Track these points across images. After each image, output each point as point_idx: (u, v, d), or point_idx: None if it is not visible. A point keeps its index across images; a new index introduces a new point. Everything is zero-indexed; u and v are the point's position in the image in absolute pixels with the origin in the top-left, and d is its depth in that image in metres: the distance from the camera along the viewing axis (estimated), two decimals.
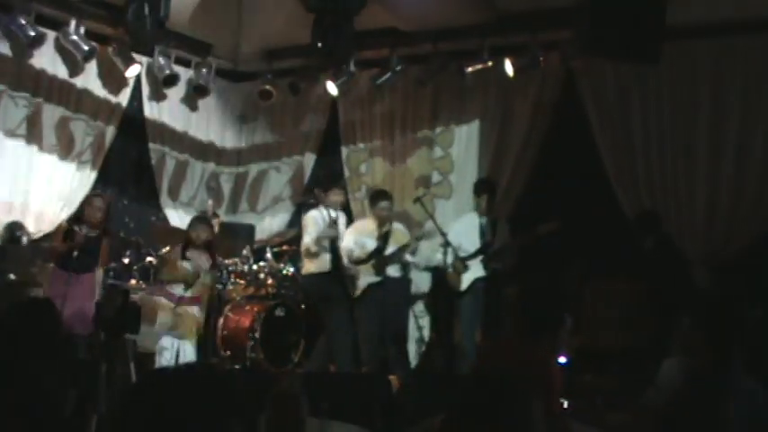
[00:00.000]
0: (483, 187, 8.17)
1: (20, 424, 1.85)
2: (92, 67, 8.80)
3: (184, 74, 9.59)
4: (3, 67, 8.24)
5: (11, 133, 8.31)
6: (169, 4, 7.20)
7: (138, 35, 7.53)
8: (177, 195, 9.83)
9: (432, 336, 8.86)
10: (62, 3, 8.29)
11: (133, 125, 9.47)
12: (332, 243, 7.91)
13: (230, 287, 8.62)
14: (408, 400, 6.15)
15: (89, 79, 8.87)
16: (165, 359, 7.34)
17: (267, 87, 9.74)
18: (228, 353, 8.30)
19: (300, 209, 9.33)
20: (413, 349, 8.79)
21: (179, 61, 9.40)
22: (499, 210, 8.50)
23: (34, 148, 8.49)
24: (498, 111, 8.93)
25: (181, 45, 9.29)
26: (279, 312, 8.46)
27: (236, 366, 8.15)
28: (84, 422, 1.96)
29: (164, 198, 9.73)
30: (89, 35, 8.44)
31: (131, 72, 8.95)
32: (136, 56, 8.88)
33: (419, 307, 8.93)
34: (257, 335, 8.19)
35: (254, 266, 8.75)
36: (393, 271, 8.17)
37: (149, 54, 9.07)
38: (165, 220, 9.66)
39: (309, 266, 8.00)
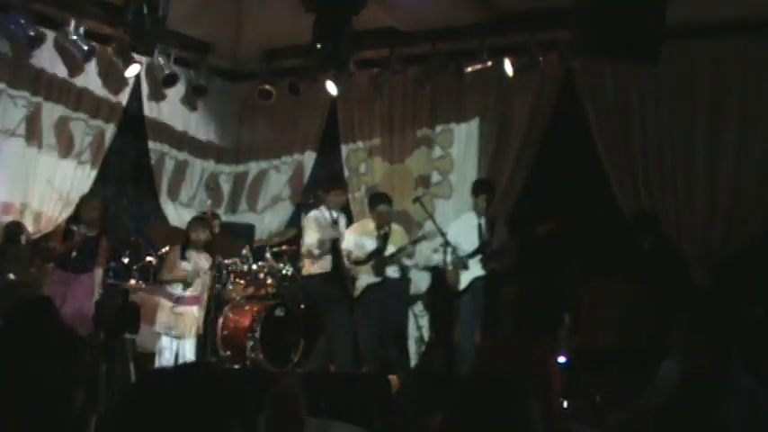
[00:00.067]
0: (481, 187, 8.17)
1: (20, 424, 1.85)
2: (91, 67, 8.80)
3: (184, 74, 9.59)
4: (2, 67, 8.24)
5: (10, 133, 8.31)
6: (169, 3, 7.19)
7: (137, 35, 7.53)
8: (177, 195, 9.84)
9: (431, 336, 8.87)
10: (62, 2, 8.29)
11: (133, 125, 9.47)
12: (333, 243, 7.91)
13: (230, 287, 8.62)
14: (408, 400, 6.15)
15: (88, 79, 8.87)
16: (164, 359, 7.34)
17: (266, 87, 9.74)
18: (228, 353, 8.31)
19: (300, 209, 9.33)
20: (412, 349, 8.79)
21: (178, 61, 9.40)
22: (498, 209, 8.51)
23: (34, 147, 8.49)
24: (497, 110, 8.94)
25: (180, 45, 9.29)
26: (278, 312, 8.46)
27: (236, 366, 8.15)
28: (83, 422, 1.96)
29: (163, 198, 9.73)
30: (89, 35, 8.43)
31: (131, 72, 8.95)
32: (135, 55, 8.88)
33: (418, 307, 8.94)
34: (257, 335, 8.19)
35: (254, 266, 8.75)
36: (392, 271, 8.17)
37: (149, 54, 9.07)
38: (164, 219, 9.66)
39: (310, 267, 7.98)
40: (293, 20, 8.19)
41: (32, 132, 8.47)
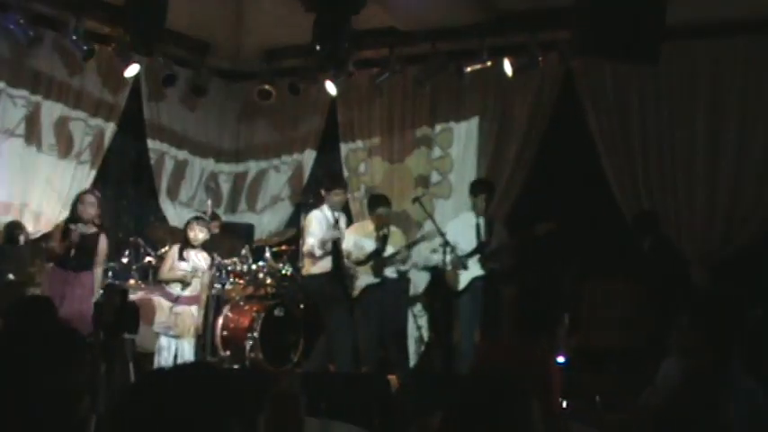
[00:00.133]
0: (480, 187, 8.17)
1: (20, 424, 1.85)
2: (91, 67, 8.80)
3: (183, 74, 9.58)
4: (1, 67, 8.24)
5: (9, 133, 8.31)
6: (167, 3, 7.19)
7: (137, 35, 7.52)
8: (176, 195, 9.84)
9: (430, 335, 8.87)
10: (61, 2, 8.27)
11: (132, 125, 9.48)
12: (334, 244, 7.89)
13: (229, 287, 8.61)
14: (407, 400, 6.15)
15: (88, 79, 8.87)
16: (163, 359, 7.34)
17: (266, 87, 9.73)
18: (228, 353, 8.31)
19: (299, 209, 9.34)
20: (412, 349, 8.80)
21: (178, 61, 9.39)
22: (498, 209, 8.51)
23: (33, 147, 8.50)
24: (497, 110, 8.94)
25: (180, 45, 9.28)
26: (278, 312, 8.46)
27: (236, 366, 8.15)
28: (83, 422, 1.96)
29: (163, 198, 9.73)
30: (88, 35, 8.41)
31: (130, 72, 8.93)
32: (135, 55, 8.87)
33: (418, 307, 8.94)
34: (256, 335, 8.19)
35: (254, 266, 8.74)
36: (391, 272, 8.17)
37: (148, 54, 9.05)
38: (163, 219, 9.66)
39: (311, 267, 7.96)
40: (293, 20, 8.19)
41: (32, 132, 8.47)
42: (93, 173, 8.98)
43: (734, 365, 3.29)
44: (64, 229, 7.15)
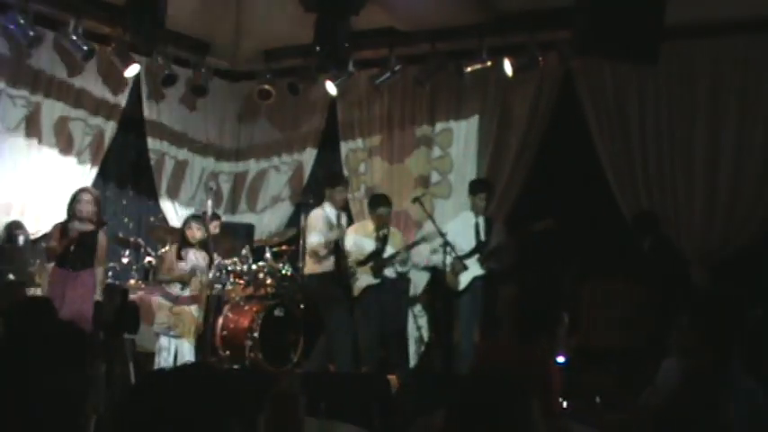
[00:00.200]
0: (480, 187, 8.18)
1: (20, 424, 1.85)
2: (91, 67, 8.80)
3: (183, 74, 9.57)
4: (1, 67, 8.24)
5: (10, 133, 8.31)
6: (167, 3, 7.19)
7: (137, 35, 7.52)
8: (176, 195, 9.83)
9: (430, 336, 8.86)
10: (61, 2, 8.28)
11: (132, 125, 9.47)
12: (336, 243, 7.88)
13: (229, 287, 8.61)
14: (407, 400, 6.15)
15: (88, 79, 8.87)
16: (163, 359, 7.33)
17: (266, 87, 9.73)
18: (228, 353, 8.31)
19: (300, 209, 9.32)
20: (412, 349, 8.79)
21: (178, 61, 9.38)
22: (498, 209, 8.52)
23: (33, 147, 8.50)
24: (497, 110, 8.94)
25: (180, 45, 9.28)
26: (278, 312, 8.46)
27: (235, 366, 8.15)
28: (83, 422, 1.96)
29: (163, 198, 9.73)
30: (88, 35, 8.42)
31: (130, 72, 8.94)
32: (135, 55, 8.88)
33: (418, 307, 8.93)
34: (256, 335, 8.19)
35: (254, 266, 8.74)
36: (391, 272, 8.17)
37: (148, 54, 9.07)
38: (163, 219, 9.66)
39: (313, 266, 7.95)
40: (293, 20, 8.20)
41: (32, 132, 8.47)
42: (94, 173, 8.98)
43: (734, 365, 3.29)
44: (63, 228, 7.14)
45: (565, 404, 5.06)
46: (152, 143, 9.63)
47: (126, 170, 9.60)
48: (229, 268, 8.61)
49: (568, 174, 8.43)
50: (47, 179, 8.53)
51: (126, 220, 9.47)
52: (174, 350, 7.39)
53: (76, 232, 7.05)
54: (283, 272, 8.87)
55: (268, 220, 10.17)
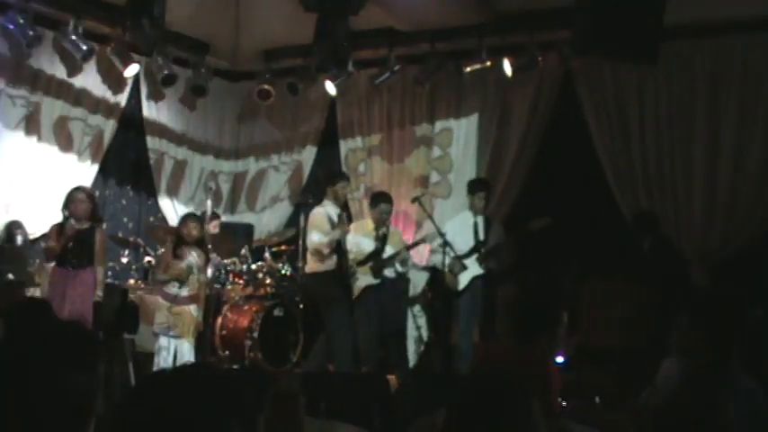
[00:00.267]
0: (479, 186, 8.18)
1: (20, 424, 1.84)
2: (90, 67, 8.80)
3: (183, 74, 9.58)
4: (1, 67, 8.23)
5: (9, 132, 8.30)
6: (167, 3, 7.19)
7: (137, 35, 7.52)
8: (176, 195, 9.83)
9: (430, 335, 8.86)
10: (60, 2, 8.28)
11: (131, 125, 9.48)
12: (338, 242, 7.87)
13: (229, 287, 8.61)
14: (407, 400, 6.15)
15: (87, 79, 8.87)
16: (162, 359, 7.32)
17: (265, 87, 9.74)
18: (227, 353, 8.31)
19: (299, 208, 9.32)
20: (411, 349, 8.79)
21: (177, 61, 9.39)
22: (497, 209, 8.53)
23: (32, 147, 8.49)
24: (496, 110, 8.94)
25: (179, 45, 9.29)
26: (277, 312, 8.46)
27: (235, 366, 8.15)
28: (83, 423, 1.96)
29: (162, 198, 9.73)
30: (87, 35, 8.43)
31: (130, 72, 8.94)
32: (134, 55, 8.88)
33: (417, 307, 8.93)
34: (256, 335, 8.19)
35: (253, 266, 8.75)
36: (390, 272, 8.17)
37: (148, 54, 9.07)
38: (163, 219, 9.66)
39: (314, 265, 7.92)
40: (292, 20, 8.20)
41: (31, 132, 8.47)
42: (93, 173, 8.97)
43: (734, 365, 3.28)
44: (59, 228, 7.15)
45: (564, 404, 5.06)
46: (151, 143, 9.63)
47: (125, 170, 9.60)
48: (229, 268, 8.62)
49: (568, 174, 8.43)
50: (46, 179, 8.53)
51: (125, 219, 9.48)
52: (174, 350, 7.38)
53: (73, 229, 7.06)
54: (283, 272, 8.87)
55: (267, 220, 10.18)
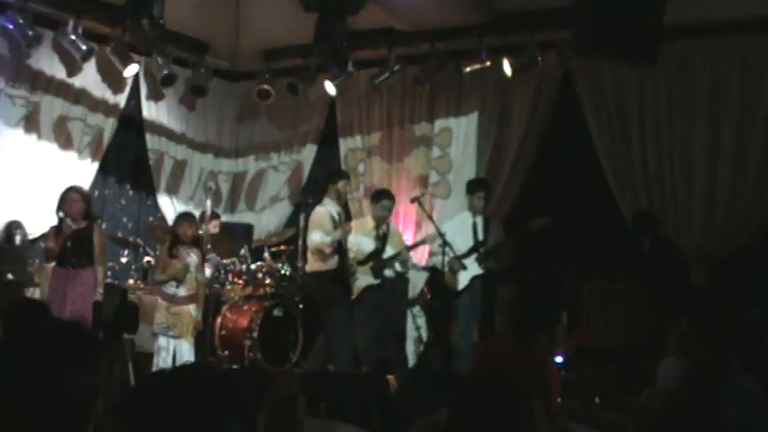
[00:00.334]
0: (478, 186, 8.18)
1: (20, 424, 1.84)
2: (90, 67, 8.79)
3: (182, 74, 9.57)
4: (1, 67, 8.23)
5: (9, 132, 8.30)
6: (167, 3, 7.19)
7: (136, 35, 7.52)
8: (175, 195, 9.83)
9: (429, 335, 8.86)
10: (60, 2, 8.28)
11: (131, 125, 9.47)
12: (339, 241, 7.85)
13: (228, 287, 8.61)
14: (407, 400, 6.15)
15: (87, 79, 8.86)
16: (162, 359, 7.32)
17: (265, 87, 9.74)
18: (226, 353, 8.30)
19: (299, 208, 9.31)
20: (411, 349, 8.79)
21: (177, 61, 9.38)
22: (497, 209, 8.53)
23: (32, 147, 8.49)
24: (496, 110, 8.94)
25: (179, 45, 9.29)
26: (277, 312, 8.45)
27: (234, 366, 8.15)
28: (83, 423, 1.96)
29: (162, 197, 9.72)
30: (87, 35, 8.43)
31: (129, 72, 8.94)
32: (134, 55, 8.87)
33: (416, 307, 8.93)
34: (255, 335, 8.19)
35: (253, 266, 8.74)
36: (390, 272, 8.17)
37: (147, 54, 9.06)
38: (162, 219, 9.65)
39: (315, 264, 7.89)
40: (292, 20, 8.20)
41: (31, 132, 8.46)
42: (93, 173, 8.97)
43: (734, 365, 3.28)
44: (57, 229, 7.16)
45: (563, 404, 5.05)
46: (151, 143, 9.63)
47: (125, 170, 9.59)
48: (228, 268, 8.61)
49: (568, 174, 8.43)
50: (46, 179, 8.52)
51: (125, 219, 9.47)
52: (173, 350, 7.38)
53: (70, 229, 7.06)
54: (282, 272, 8.86)
55: (267, 220, 10.17)
